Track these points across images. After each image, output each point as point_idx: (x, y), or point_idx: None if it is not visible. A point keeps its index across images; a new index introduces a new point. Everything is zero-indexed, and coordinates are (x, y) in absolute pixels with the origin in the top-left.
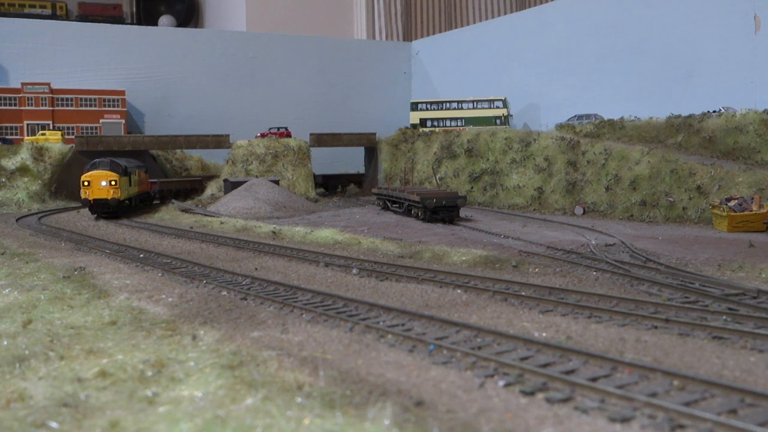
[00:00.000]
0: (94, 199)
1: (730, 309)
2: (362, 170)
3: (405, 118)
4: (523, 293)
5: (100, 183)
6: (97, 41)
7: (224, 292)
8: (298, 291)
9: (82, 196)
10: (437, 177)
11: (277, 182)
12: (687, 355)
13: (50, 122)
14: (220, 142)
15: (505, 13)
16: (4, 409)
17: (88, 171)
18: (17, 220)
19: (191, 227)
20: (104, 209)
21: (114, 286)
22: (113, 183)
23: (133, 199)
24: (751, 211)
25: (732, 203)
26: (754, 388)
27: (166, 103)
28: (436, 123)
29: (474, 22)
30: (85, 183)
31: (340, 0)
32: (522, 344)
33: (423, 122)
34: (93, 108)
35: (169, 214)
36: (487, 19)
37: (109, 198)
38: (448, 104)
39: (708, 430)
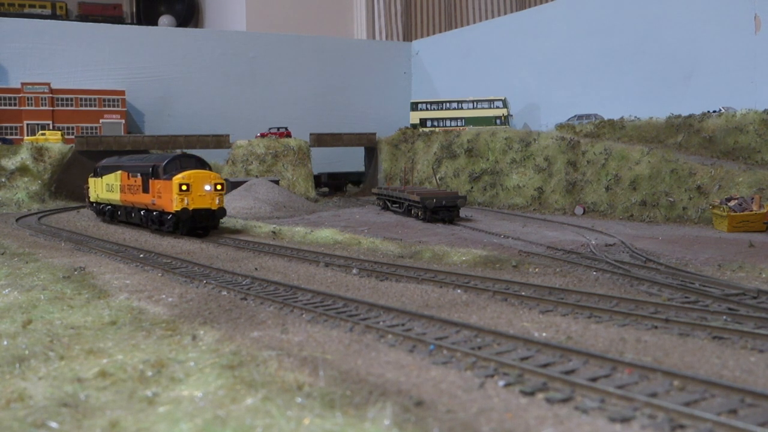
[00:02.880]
0: (195, 210)
1: (730, 309)
2: (362, 169)
3: (405, 118)
4: (523, 293)
5: (204, 187)
6: (97, 41)
7: (224, 292)
8: (298, 291)
9: (175, 206)
10: (437, 177)
11: (277, 182)
12: (687, 355)
13: (50, 122)
14: (220, 142)
15: (505, 13)
16: (4, 409)
17: (171, 170)
18: (17, 220)
19: None
20: (205, 223)
21: (114, 286)
22: (219, 188)
23: None
24: (751, 211)
25: (732, 203)
26: (754, 388)
27: (166, 103)
28: (436, 123)
29: (474, 22)
30: (183, 187)
31: (340, 0)
32: (522, 344)
33: (423, 122)
34: (93, 108)
35: None
36: (487, 19)
37: (215, 209)
38: (448, 104)
39: (708, 430)
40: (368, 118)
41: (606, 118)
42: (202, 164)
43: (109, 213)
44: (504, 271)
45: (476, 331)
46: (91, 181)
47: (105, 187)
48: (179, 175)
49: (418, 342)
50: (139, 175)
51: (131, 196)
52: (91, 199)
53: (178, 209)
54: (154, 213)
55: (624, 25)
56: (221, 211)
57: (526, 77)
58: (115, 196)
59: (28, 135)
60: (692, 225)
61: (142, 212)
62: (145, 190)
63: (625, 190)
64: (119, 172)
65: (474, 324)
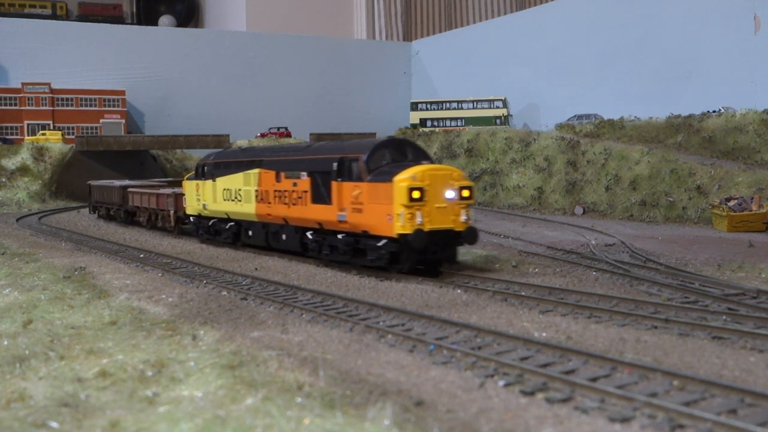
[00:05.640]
0: (432, 232)
1: (729, 309)
2: None
3: (405, 118)
4: (523, 293)
5: (444, 194)
6: (97, 41)
7: (224, 292)
8: (298, 291)
9: (400, 227)
10: None
11: None
12: (687, 355)
13: (50, 122)
14: (220, 142)
15: (505, 13)
16: (4, 409)
17: (380, 165)
18: (17, 220)
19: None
20: (439, 255)
21: (114, 286)
22: (466, 194)
23: None
24: (750, 210)
25: (732, 203)
26: (754, 388)
27: (166, 103)
28: (436, 123)
29: (474, 22)
30: (416, 194)
31: (340, 0)
32: (522, 344)
33: (423, 122)
34: (93, 108)
35: None
36: (487, 19)
37: (461, 230)
38: (448, 104)
39: (708, 430)
40: (368, 118)
41: (606, 118)
42: (421, 155)
43: (230, 234)
44: (504, 271)
45: (476, 331)
46: (189, 185)
47: (222, 195)
48: (405, 175)
49: (418, 342)
50: (305, 174)
51: (285, 208)
52: (189, 212)
53: (407, 232)
54: (341, 236)
55: (624, 25)
56: (471, 234)
57: (526, 77)
58: (246, 208)
59: (28, 135)
60: (692, 225)
61: (308, 234)
62: (321, 198)
63: (625, 190)
64: (256, 170)
65: (474, 324)
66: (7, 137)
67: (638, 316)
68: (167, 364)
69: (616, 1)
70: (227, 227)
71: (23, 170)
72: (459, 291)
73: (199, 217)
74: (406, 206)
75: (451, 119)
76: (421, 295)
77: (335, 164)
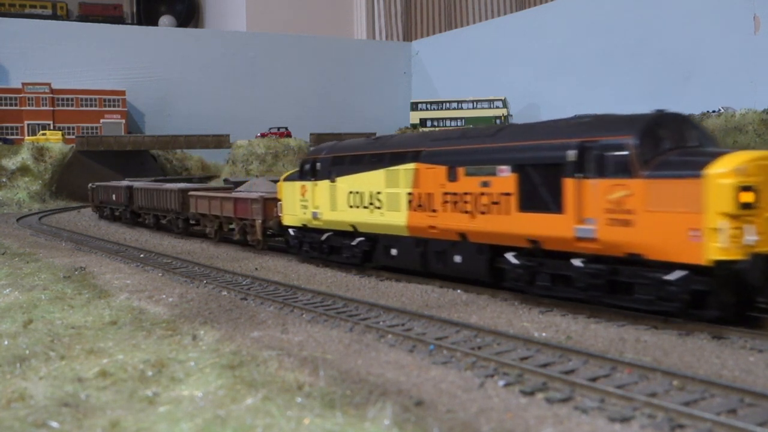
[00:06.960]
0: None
1: None
2: None
3: (405, 118)
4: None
5: None
6: (97, 41)
7: (224, 292)
8: (298, 291)
9: (716, 251)
10: None
11: (277, 182)
12: (686, 355)
13: (51, 122)
14: (220, 142)
15: (505, 13)
16: (4, 409)
17: (661, 150)
18: (18, 220)
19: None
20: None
21: (114, 286)
22: None
23: None
24: None
25: None
26: (754, 387)
27: (166, 103)
28: (436, 123)
29: (474, 22)
30: (746, 198)
31: (340, 0)
32: (522, 344)
33: (423, 122)
34: (93, 108)
35: None
36: (487, 19)
37: None
38: (448, 104)
39: (707, 430)
40: (368, 118)
41: None
42: (707, 139)
43: (358, 253)
44: None
45: (476, 331)
46: (290, 188)
47: (347, 200)
48: (724, 167)
49: (418, 342)
50: (506, 170)
51: (465, 218)
52: (288, 222)
53: (732, 258)
54: (580, 262)
55: (624, 25)
56: None
57: (526, 77)
58: (390, 218)
59: (28, 135)
60: None
61: (510, 257)
62: (539, 204)
63: None
64: (411, 165)
65: (474, 324)
66: (8, 137)
67: (638, 316)
68: (167, 364)
69: (616, 1)
70: (354, 243)
71: (23, 170)
72: (459, 291)
73: (302, 229)
74: (732, 216)
75: (451, 119)
76: (421, 295)
77: (572, 153)
